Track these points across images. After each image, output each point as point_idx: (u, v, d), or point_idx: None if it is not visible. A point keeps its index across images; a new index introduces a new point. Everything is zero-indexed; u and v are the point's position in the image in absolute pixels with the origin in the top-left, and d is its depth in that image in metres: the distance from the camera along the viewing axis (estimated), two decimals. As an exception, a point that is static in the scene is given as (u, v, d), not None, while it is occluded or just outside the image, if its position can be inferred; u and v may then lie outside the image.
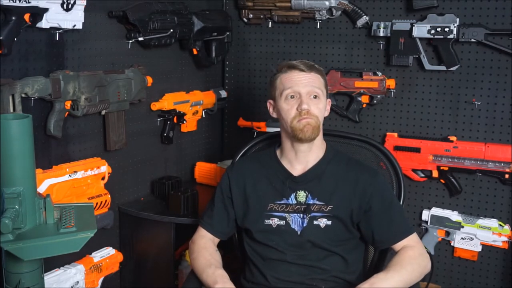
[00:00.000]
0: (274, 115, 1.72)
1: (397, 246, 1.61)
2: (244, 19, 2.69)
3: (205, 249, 1.70)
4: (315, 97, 1.63)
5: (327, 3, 2.46)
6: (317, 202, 1.63)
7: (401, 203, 1.79)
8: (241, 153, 1.96)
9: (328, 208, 1.62)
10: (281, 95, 1.65)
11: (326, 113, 1.71)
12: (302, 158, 1.67)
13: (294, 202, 1.64)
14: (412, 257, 1.57)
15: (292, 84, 1.63)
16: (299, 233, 1.62)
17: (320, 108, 1.64)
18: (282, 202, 1.65)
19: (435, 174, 2.37)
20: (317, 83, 1.65)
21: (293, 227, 1.63)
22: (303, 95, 1.61)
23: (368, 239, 1.67)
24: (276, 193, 1.67)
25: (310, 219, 1.61)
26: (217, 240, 1.76)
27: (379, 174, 1.71)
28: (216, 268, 1.62)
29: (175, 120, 2.42)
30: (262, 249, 1.66)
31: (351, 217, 1.62)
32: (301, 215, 1.62)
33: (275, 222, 1.64)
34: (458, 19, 2.24)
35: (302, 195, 1.64)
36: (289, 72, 1.66)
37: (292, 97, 1.63)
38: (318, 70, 1.68)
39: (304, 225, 1.62)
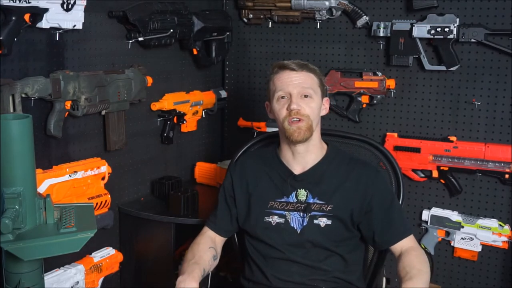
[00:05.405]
0: (271, 116, 1.72)
1: (396, 246, 1.61)
2: (244, 19, 2.68)
3: (196, 245, 1.70)
4: (306, 96, 1.62)
5: (327, 3, 2.46)
6: (318, 201, 1.63)
7: (400, 203, 1.78)
8: (240, 153, 1.95)
9: (328, 208, 1.61)
10: (274, 96, 1.65)
11: (324, 112, 1.71)
12: (300, 159, 1.67)
13: (295, 200, 1.64)
14: (422, 259, 1.57)
15: (283, 85, 1.63)
16: (298, 231, 1.62)
17: (312, 107, 1.62)
18: (283, 200, 1.65)
19: (435, 174, 2.37)
20: (309, 82, 1.63)
21: (292, 225, 1.63)
22: (294, 95, 1.61)
23: (368, 240, 1.67)
24: (277, 191, 1.67)
25: (310, 218, 1.61)
26: (219, 238, 1.76)
27: (380, 173, 1.71)
28: (194, 263, 1.59)
29: (175, 120, 2.42)
30: (263, 248, 1.66)
31: (352, 217, 1.62)
32: (301, 213, 1.62)
33: (274, 219, 1.64)
34: (458, 19, 2.24)
35: (302, 194, 1.64)
36: (280, 72, 1.65)
37: (283, 97, 1.63)
38: (311, 69, 1.66)
39: (304, 224, 1.61)
